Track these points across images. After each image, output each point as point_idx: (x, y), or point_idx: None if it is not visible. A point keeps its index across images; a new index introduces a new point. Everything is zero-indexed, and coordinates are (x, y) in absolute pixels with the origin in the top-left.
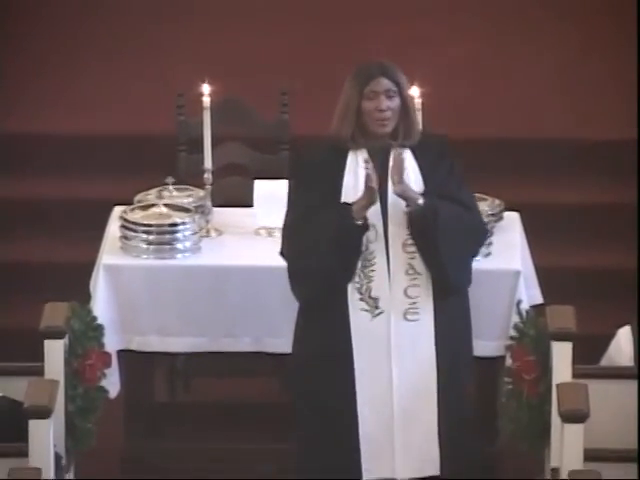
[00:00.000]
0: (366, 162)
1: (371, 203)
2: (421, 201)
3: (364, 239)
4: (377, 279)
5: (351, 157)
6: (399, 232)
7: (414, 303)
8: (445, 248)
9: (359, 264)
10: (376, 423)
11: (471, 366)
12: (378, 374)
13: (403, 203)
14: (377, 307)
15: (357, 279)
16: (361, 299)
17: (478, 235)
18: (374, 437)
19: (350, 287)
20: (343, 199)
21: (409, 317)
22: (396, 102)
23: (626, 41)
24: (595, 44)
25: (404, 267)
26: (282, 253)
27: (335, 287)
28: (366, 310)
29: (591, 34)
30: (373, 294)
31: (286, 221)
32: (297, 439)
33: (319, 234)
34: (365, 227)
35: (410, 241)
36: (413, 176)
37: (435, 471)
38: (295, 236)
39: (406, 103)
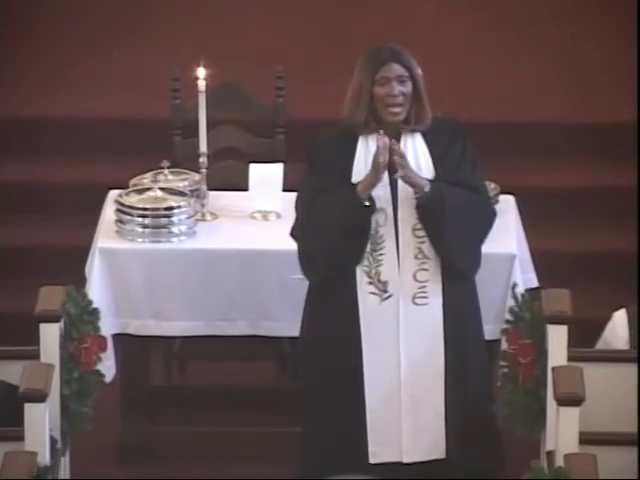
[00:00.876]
0: (380, 134)
1: (377, 180)
2: (427, 188)
3: (373, 222)
4: (386, 263)
5: (361, 142)
6: (409, 216)
7: (423, 287)
8: (452, 233)
9: (368, 247)
10: (383, 407)
11: (482, 350)
12: (386, 358)
13: None
14: (386, 291)
15: (366, 262)
16: (370, 282)
17: (487, 219)
18: (381, 421)
19: (359, 270)
20: (353, 181)
21: (418, 301)
22: (408, 87)
23: (622, 24)
24: (588, 29)
25: (413, 251)
26: (292, 234)
27: (344, 268)
28: (375, 294)
29: (587, 16)
30: (382, 278)
31: (297, 203)
32: (305, 421)
33: (327, 215)
34: (372, 208)
35: (420, 225)
36: (424, 161)
37: (441, 455)
38: (305, 218)
39: (418, 88)
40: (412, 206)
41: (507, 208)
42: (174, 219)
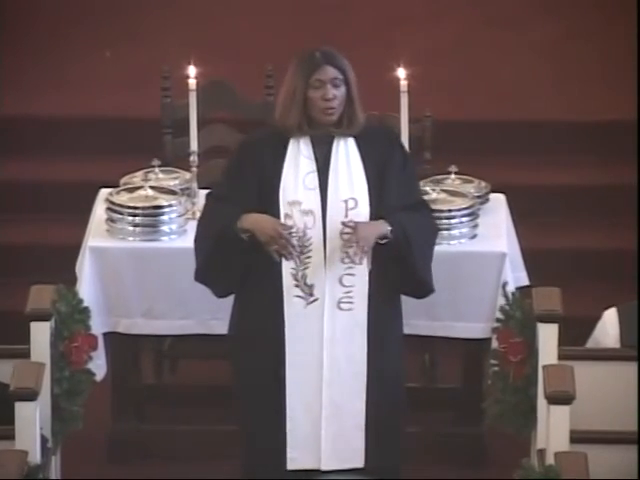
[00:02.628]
0: (286, 227)
1: (262, 239)
2: (389, 231)
3: (302, 224)
4: (313, 266)
5: (292, 145)
6: (337, 220)
7: (349, 292)
8: (419, 260)
9: (297, 249)
10: (304, 412)
11: (401, 358)
12: (309, 362)
13: (343, 191)
14: (312, 294)
15: (293, 265)
16: (296, 285)
17: (436, 230)
18: (301, 426)
19: (285, 272)
20: (282, 187)
21: (343, 306)
22: (342, 90)
23: (617, 21)
24: (582, 25)
25: (340, 255)
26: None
27: (203, 282)
28: (301, 297)
29: (579, 15)
30: (308, 281)
31: (205, 199)
32: (238, 421)
33: (207, 228)
34: (246, 243)
35: (347, 230)
36: (355, 166)
37: (360, 463)
38: (198, 221)
39: (351, 91)
40: (341, 210)
41: (498, 207)
42: (165, 218)
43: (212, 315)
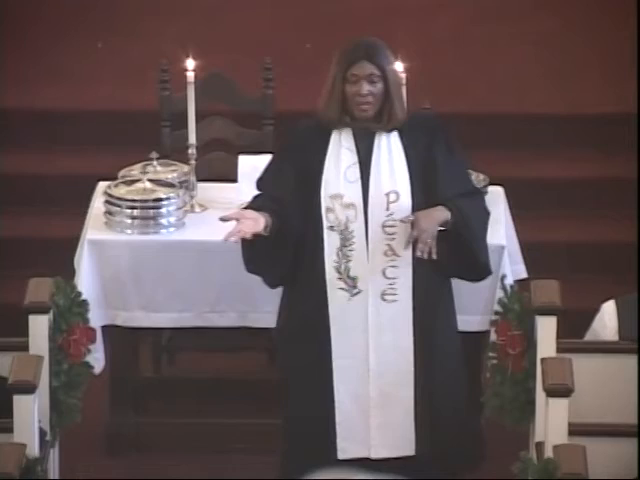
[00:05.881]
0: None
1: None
2: (448, 213)
3: (344, 217)
4: (356, 259)
5: (334, 136)
6: (379, 213)
7: (392, 284)
8: (479, 243)
9: (338, 243)
10: (352, 402)
11: (455, 347)
12: (355, 354)
13: (385, 184)
14: (355, 287)
15: (335, 258)
16: (339, 278)
17: (488, 214)
18: (350, 416)
19: (328, 265)
20: (324, 179)
21: (387, 298)
22: (379, 87)
23: (611, 14)
24: (580, 18)
25: (383, 248)
26: None
27: (251, 272)
28: (344, 289)
29: (576, 7)
30: (351, 273)
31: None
32: (283, 414)
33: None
34: (272, 236)
35: (390, 222)
36: (398, 160)
37: (410, 452)
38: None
39: (389, 88)
40: (383, 203)
41: (496, 199)
42: (163, 210)
43: (211, 308)
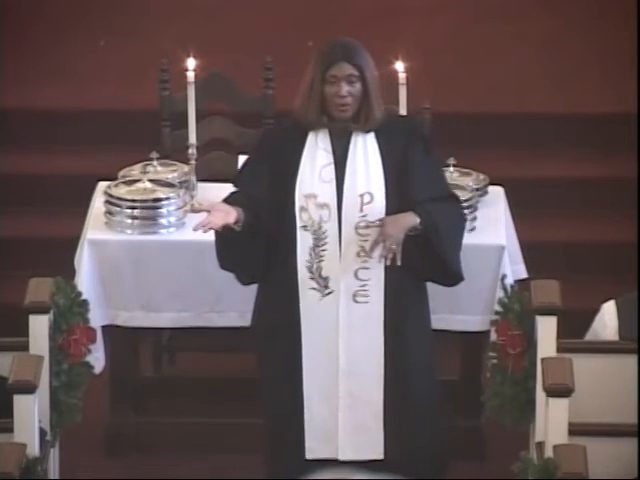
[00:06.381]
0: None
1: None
2: (417, 220)
3: (317, 217)
4: (328, 259)
5: (311, 137)
6: (353, 214)
7: (364, 285)
8: (449, 250)
9: (311, 242)
10: (322, 403)
11: (427, 349)
12: (325, 354)
13: (359, 186)
14: (327, 287)
15: (308, 257)
16: (311, 278)
17: (464, 220)
18: (319, 417)
19: (301, 265)
20: (299, 179)
21: (358, 299)
22: (357, 87)
23: (610, 14)
24: (580, 18)
25: (356, 249)
26: None
27: (225, 269)
28: (316, 289)
29: (575, 8)
30: (323, 273)
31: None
32: (264, 415)
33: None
34: (244, 232)
35: (363, 223)
36: (374, 161)
37: (379, 455)
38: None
39: (367, 88)
40: (357, 204)
41: (496, 199)
42: (163, 210)
43: (211, 308)
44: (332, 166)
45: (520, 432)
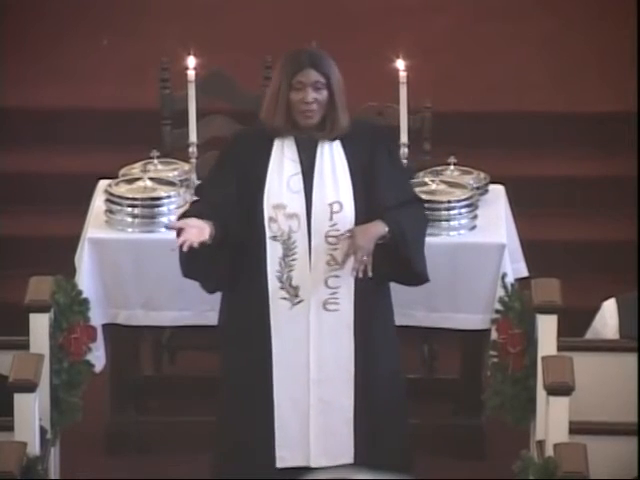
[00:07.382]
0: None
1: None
2: (386, 229)
3: (287, 228)
4: (298, 268)
5: (277, 145)
6: (322, 223)
7: (334, 293)
8: (415, 254)
9: (280, 252)
10: (292, 411)
11: (394, 356)
12: (296, 362)
13: (328, 195)
14: (297, 296)
15: (278, 267)
16: (281, 287)
17: (427, 221)
18: (289, 425)
19: (271, 275)
20: (267, 189)
21: (329, 307)
22: (323, 94)
23: (609, 14)
24: (580, 18)
25: (325, 258)
26: None
27: (188, 277)
28: (286, 298)
29: (575, 8)
30: (294, 283)
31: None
32: (218, 417)
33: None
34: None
35: (333, 232)
36: (341, 168)
37: (349, 460)
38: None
39: (333, 95)
40: (326, 213)
41: (497, 198)
42: (163, 209)
43: (211, 306)
44: (300, 176)
45: (520, 431)
